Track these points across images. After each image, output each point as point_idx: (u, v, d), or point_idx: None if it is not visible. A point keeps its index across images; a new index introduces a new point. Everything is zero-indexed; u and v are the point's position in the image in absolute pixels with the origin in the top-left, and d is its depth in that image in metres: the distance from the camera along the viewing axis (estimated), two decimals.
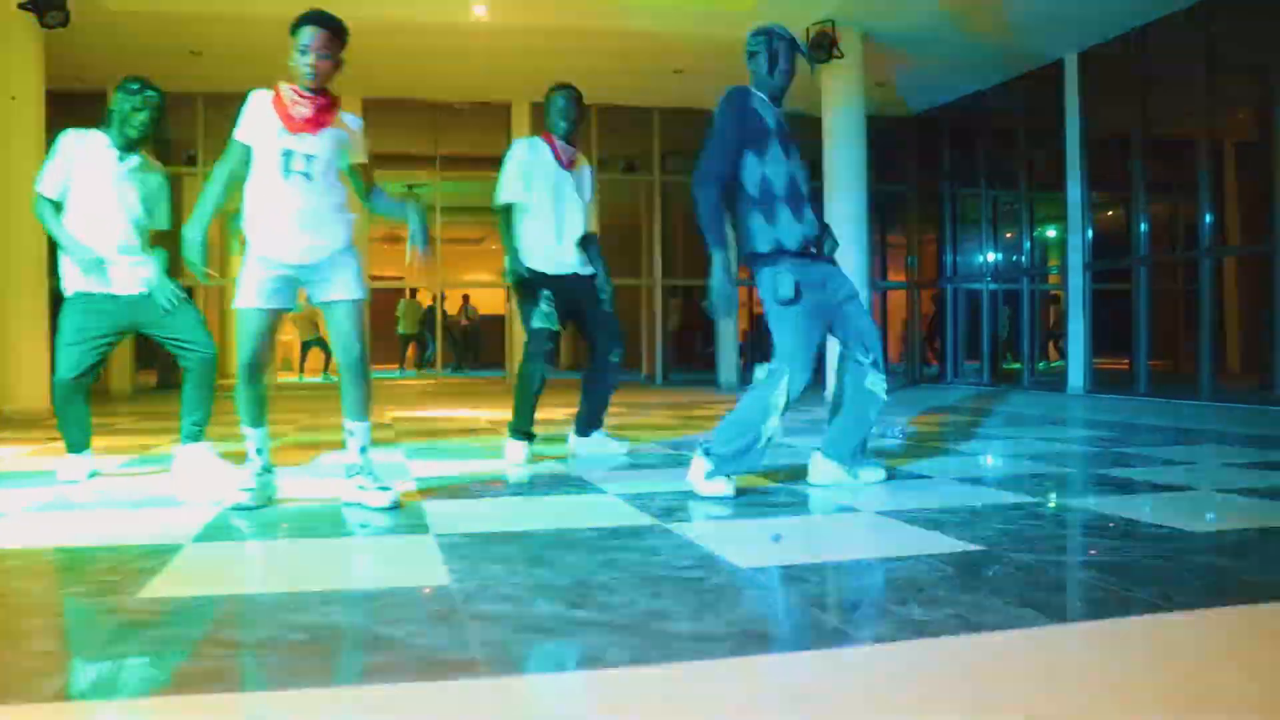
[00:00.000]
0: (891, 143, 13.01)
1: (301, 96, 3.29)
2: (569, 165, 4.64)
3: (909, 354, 13.56)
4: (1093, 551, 2.70)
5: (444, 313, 15.22)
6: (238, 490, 3.41)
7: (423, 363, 17.16)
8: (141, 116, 3.99)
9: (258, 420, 3.46)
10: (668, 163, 13.05)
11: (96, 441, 4.32)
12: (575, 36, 9.65)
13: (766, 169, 3.56)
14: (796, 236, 3.56)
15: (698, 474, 3.56)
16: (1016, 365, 11.56)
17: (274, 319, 3.38)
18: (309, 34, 3.28)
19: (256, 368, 3.38)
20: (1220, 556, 2.58)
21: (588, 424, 4.89)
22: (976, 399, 9.66)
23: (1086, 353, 10.04)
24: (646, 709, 1.57)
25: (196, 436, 4.22)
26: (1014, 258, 11.69)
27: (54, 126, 4.49)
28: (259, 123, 3.29)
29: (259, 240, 3.31)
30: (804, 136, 10.98)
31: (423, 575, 2.44)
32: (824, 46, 9.48)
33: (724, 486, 3.50)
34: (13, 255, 8.26)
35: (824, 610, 2.11)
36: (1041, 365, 12.03)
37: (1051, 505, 3.39)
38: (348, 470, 3.47)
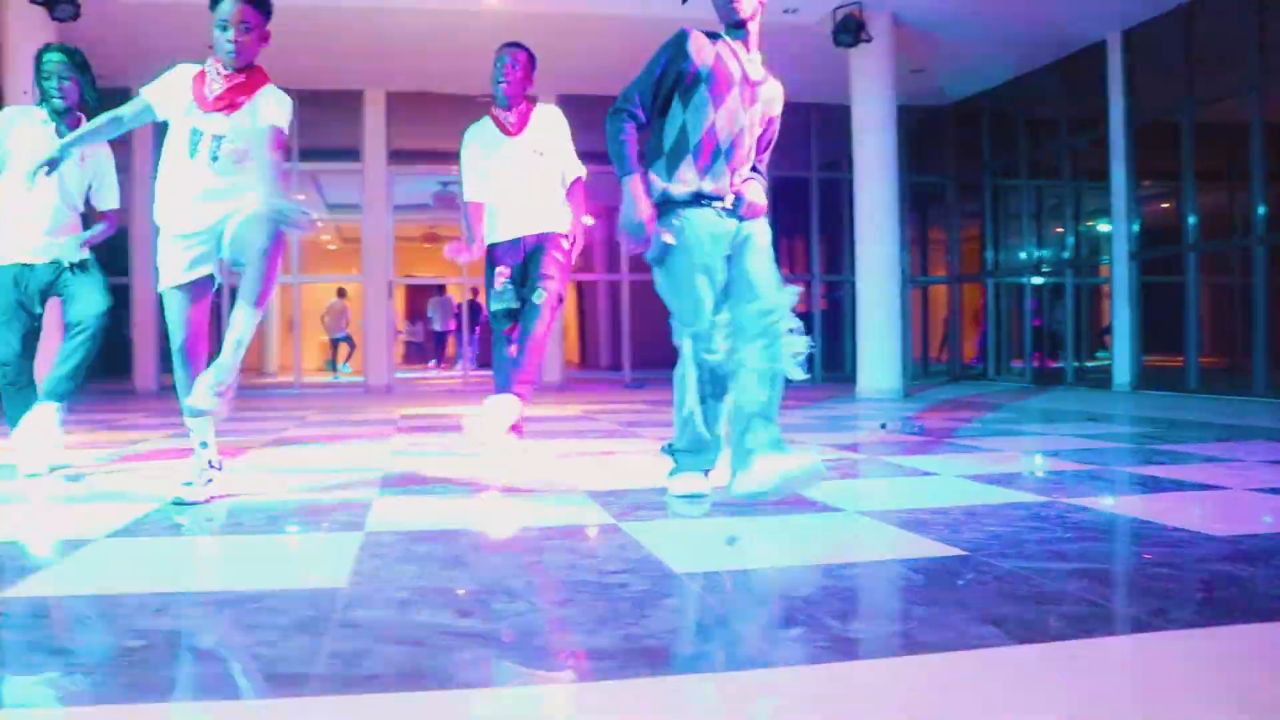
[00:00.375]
0: (929, 132, 12.57)
1: (221, 75, 3.10)
2: (517, 130, 4.29)
3: (950, 349, 13.08)
4: (1091, 558, 2.36)
5: (473, 306, 14.98)
6: (180, 485, 3.19)
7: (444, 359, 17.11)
8: (50, 84, 3.79)
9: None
10: None
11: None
12: (595, 22, 9.41)
13: (688, 117, 3.10)
14: (689, 190, 3.08)
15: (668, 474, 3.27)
16: (1063, 364, 11.05)
17: (198, 294, 3.17)
18: (227, 7, 3.06)
19: (189, 352, 3.17)
20: (1237, 564, 2.22)
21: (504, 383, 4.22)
22: (1013, 395, 9.21)
23: (1133, 347, 9.54)
24: None
25: (54, 395, 3.81)
26: (1062, 254, 11.17)
27: None
28: (173, 96, 3.10)
29: (162, 215, 3.14)
30: (833, 126, 10.67)
31: (320, 576, 2.19)
32: (851, 30, 9.11)
33: (695, 483, 3.19)
34: None
35: (746, 623, 1.81)
36: (1101, 355, 11.42)
37: (1060, 505, 3.04)
38: (218, 369, 2.90)
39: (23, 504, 3.31)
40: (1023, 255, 11.68)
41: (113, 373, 11.50)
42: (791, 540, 2.63)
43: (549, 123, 4.33)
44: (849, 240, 10.81)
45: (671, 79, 3.09)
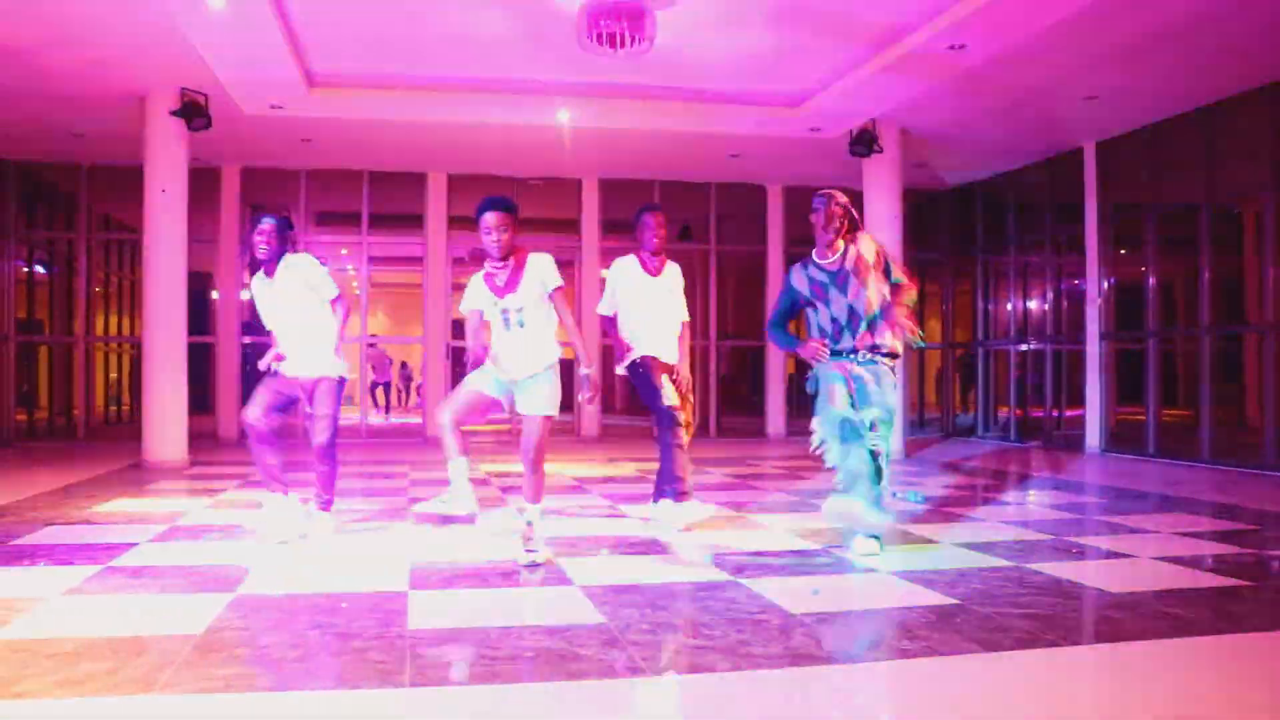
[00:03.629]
0: (928, 212, 14.26)
1: (496, 268, 4.49)
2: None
3: (944, 407, 14.72)
4: (1036, 608, 3.91)
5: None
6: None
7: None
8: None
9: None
10: (722, 230, 14.34)
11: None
12: (647, 134, 11.07)
13: (818, 317, 4.95)
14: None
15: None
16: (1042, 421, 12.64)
17: (484, 399, 4.62)
18: (490, 218, 4.41)
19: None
20: (1117, 611, 3.81)
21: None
22: (999, 458, 10.83)
23: (1103, 415, 11.17)
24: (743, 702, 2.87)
25: None
26: (1044, 327, 12.83)
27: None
28: (479, 299, 4.58)
29: (499, 367, 4.57)
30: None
31: (586, 616, 3.72)
32: (865, 143, 10.78)
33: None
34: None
35: (845, 642, 3.40)
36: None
37: (1021, 569, 4.58)
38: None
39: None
40: (1010, 324, 13.34)
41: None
42: (852, 592, 4.21)
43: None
44: None
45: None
